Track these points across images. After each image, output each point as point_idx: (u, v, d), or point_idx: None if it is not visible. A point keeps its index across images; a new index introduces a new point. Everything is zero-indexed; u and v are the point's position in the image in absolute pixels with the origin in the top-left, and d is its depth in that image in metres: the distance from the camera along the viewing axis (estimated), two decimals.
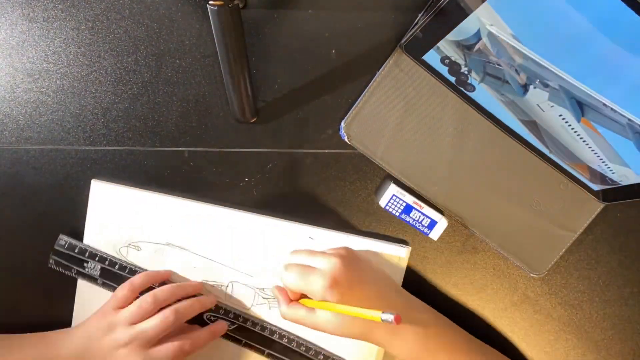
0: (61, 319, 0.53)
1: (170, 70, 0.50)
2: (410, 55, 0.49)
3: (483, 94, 0.48)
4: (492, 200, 0.53)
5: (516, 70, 0.43)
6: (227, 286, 0.53)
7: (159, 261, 0.52)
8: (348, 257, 0.48)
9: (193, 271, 0.52)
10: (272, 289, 0.52)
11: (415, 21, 0.49)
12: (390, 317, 0.38)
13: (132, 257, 0.52)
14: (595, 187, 0.52)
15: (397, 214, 0.52)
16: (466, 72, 0.46)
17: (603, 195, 0.52)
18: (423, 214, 0.52)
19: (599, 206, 0.53)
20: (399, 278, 0.53)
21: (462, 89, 0.49)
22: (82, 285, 0.52)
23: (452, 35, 0.43)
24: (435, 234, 0.52)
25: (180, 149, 0.52)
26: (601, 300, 0.56)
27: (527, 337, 0.56)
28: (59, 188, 0.51)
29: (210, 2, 0.40)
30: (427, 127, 0.51)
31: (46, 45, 0.49)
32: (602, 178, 0.49)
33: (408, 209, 0.51)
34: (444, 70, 0.48)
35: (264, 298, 0.53)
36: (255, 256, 0.52)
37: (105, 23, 0.49)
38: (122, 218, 0.51)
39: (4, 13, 0.48)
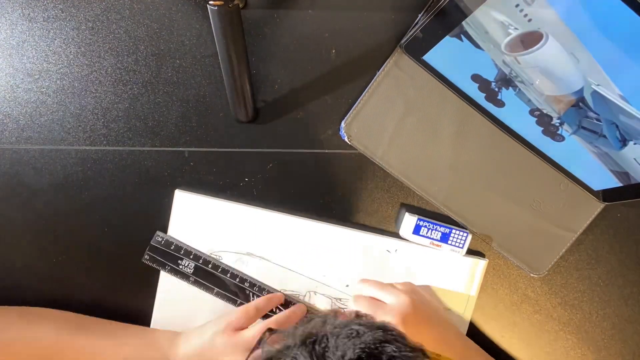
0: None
1: (170, 70, 0.50)
2: (410, 55, 0.49)
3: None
4: (492, 200, 0.53)
5: (616, 126, 0.43)
6: (305, 295, 0.53)
7: (240, 270, 0.53)
8: (416, 297, 0.49)
9: (272, 280, 0.53)
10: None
11: (415, 21, 0.49)
12: None
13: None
14: (595, 187, 0.52)
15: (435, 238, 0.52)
16: (557, 124, 0.47)
17: (603, 195, 0.52)
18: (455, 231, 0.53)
19: (599, 206, 0.53)
20: (473, 292, 0.54)
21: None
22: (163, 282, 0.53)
23: (551, 91, 0.43)
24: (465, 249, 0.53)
25: (180, 149, 0.52)
26: (601, 300, 0.56)
27: (527, 337, 0.56)
28: (59, 188, 0.51)
29: (210, 2, 0.40)
30: (427, 127, 0.51)
31: (46, 45, 0.49)
32: None
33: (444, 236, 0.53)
34: (528, 121, 0.47)
35: (342, 307, 0.54)
36: (333, 267, 0.53)
37: (105, 23, 0.49)
38: (204, 228, 0.52)
39: (4, 13, 0.48)
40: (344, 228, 0.53)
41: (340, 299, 0.53)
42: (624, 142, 0.44)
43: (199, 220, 0.52)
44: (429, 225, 0.52)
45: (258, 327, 0.48)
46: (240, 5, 0.46)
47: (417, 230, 0.52)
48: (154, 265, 0.52)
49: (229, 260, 0.53)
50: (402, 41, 0.49)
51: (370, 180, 0.53)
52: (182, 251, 0.52)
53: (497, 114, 0.49)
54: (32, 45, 0.49)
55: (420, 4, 0.49)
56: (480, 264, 0.53)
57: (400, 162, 0.52)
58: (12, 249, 0.52)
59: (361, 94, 0.51)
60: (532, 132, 0.49)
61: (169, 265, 0.52)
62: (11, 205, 0.51)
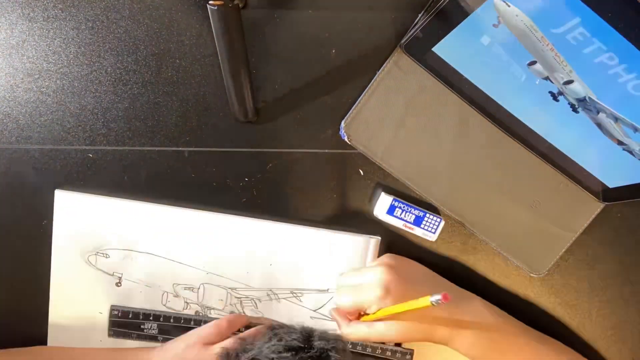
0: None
1: (170, 70, 0.50)
2: (410, 55, 0.49)
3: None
4: (492, 200, 0.53)
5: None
6: (199, 288, 0.53)
7: (129, 267, 0.52)
8: (393, 263, 0.49)
9: (163, 275, 0.53)
10: (329, 312, 0.53)
11: (415, 21, 0.49)
12: (437, 297, 0.38)
13: (101, 265, 0.52)
14: (595, 187, 0.52)
15: (410, 220, 0.52)
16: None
17: (603, 195, 0.52)
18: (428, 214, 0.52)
19: (599, 206, 0.53)
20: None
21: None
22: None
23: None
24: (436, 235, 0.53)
25: (180, 149, 0.52)
26: (601, 300, 0.56)
27: None
28: (59, 188, 0.51)
29: (210, 2, 0.40)
30: (427, 127, 0.51)
31: (46, 45, 0.49)
32: None
33: (418, 219, 0.52)
34: None
35: (236, 297, 0.53)
36: (222, 256, 0.53)
37: (105, 23, 0.49)
38: (88, 226, 0.51)
39: (4, 13, 0.48)
40: (230, 216, 0.52)
41: (235, 289, 0.53)
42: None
43: (83, 219, 0.51)
44: (403, 207, 0.52)
45: (229, 342, 0.47)
46: (240, 5, 0.46)
47: (391, 211, 0.52)
48: (121, 338, 0.52)
49: (116, 257, 0.52)
50: (402, 41, 0.49)
51: (371, 181, 0.53)
52: (141, 316, 0.52)
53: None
54: (32, 45, 0.49)
55: (420, 4, 0.49)
56: (372, 242, 0.53)
57: (401, 162, 0.52)
58: (11, 249, 0.52)
59: (361, 94, 0.51)
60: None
61: (134, 334, 0.52)
62: (11, 206, 0.51)
